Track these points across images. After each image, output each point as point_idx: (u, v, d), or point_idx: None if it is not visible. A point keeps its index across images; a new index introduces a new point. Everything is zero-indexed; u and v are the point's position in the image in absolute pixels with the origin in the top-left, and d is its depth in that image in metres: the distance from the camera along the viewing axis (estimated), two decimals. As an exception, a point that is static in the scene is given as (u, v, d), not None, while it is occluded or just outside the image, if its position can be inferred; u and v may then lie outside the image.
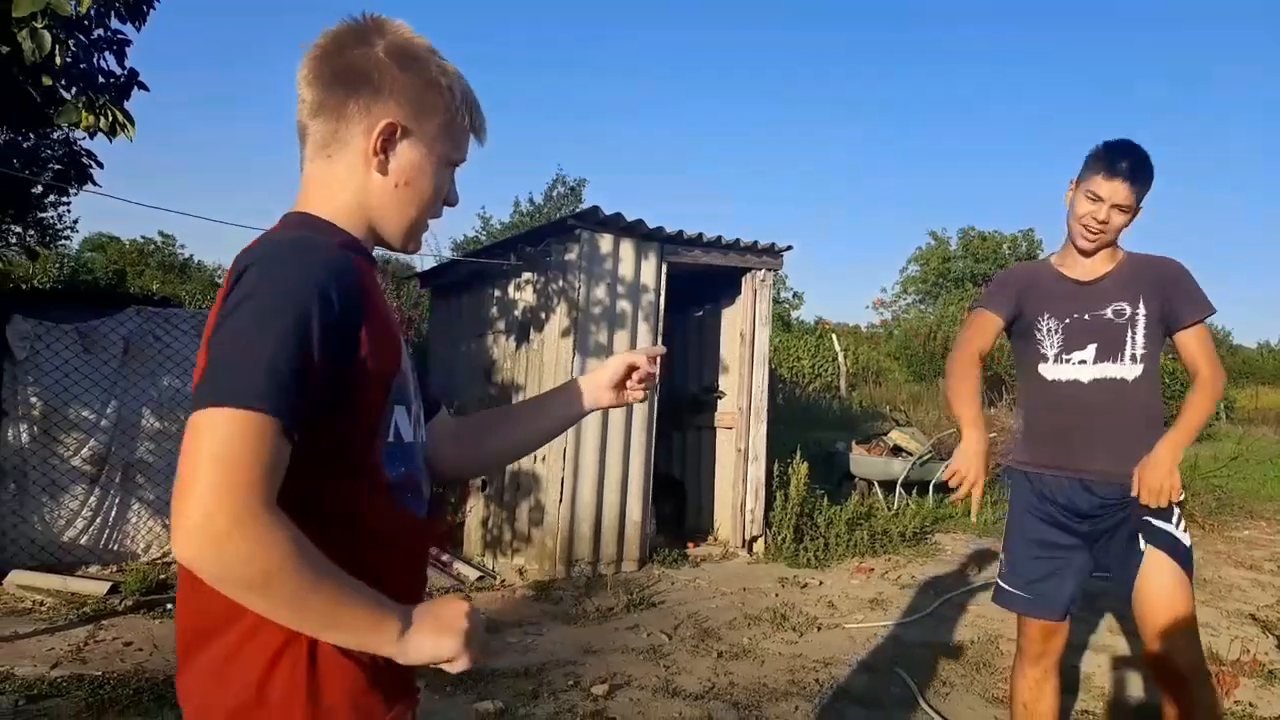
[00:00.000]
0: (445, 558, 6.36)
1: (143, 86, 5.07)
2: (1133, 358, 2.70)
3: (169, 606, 4.89)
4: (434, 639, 1.07)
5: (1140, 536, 2.66)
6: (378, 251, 1.33)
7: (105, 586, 5.07)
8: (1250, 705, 4.11)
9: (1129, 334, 2.70)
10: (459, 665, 1.09)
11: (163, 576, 5.24)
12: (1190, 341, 2.68)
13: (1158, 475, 2.57)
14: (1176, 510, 2.67)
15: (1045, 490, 2.82)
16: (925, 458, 8.90)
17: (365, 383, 1.13)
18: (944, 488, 9.39)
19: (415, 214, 1.28)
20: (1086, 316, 2.75)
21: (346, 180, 1.23)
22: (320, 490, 1.10)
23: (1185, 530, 2.68)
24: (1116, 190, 2.61)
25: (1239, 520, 10.06)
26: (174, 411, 5.93)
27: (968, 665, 4.64)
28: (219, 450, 0.93)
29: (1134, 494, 2.61)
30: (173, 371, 5.93)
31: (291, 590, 0.96)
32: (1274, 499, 12.27)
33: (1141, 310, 2.70)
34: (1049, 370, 2.78)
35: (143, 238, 17.05)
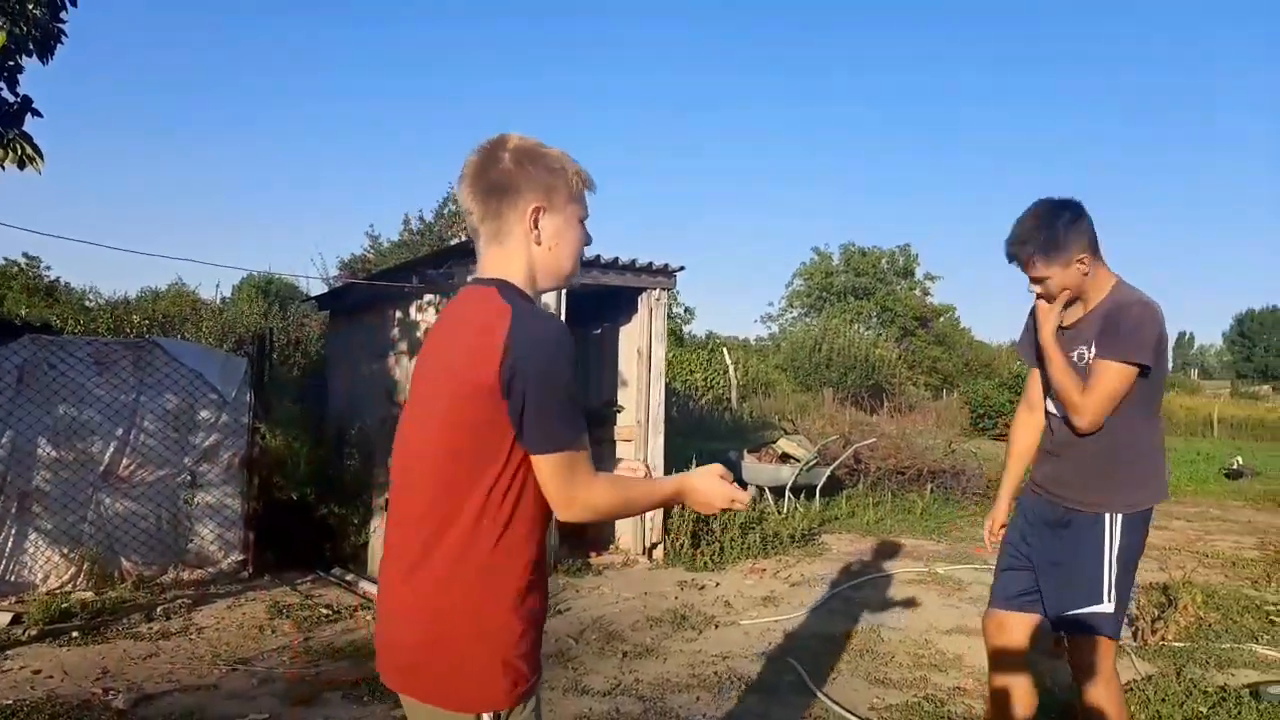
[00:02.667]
0: (350, 578, 6.44)
1: (36, 113, 5.05)
2: None
3: (74, 635, 4.87)
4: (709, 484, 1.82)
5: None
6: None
7: (7, 617, 4.99)
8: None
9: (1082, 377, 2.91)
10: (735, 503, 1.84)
11: (65, 605, 5.18)
12: (1091, 369, 2.86)
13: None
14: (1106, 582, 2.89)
15: (1026, 503, 3.19)
16: (811, 464, 9.38)
17: None
18: (829, 491, 9.92)
19: (569, 264, 1.83)
20: None
21: (518, 256, 1.78)
22: (523, 488, 1.67)
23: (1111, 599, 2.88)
24: (1029, 273, 2.93)
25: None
26: (70, 440, 5.84)
27: (853, 652, 5.05)
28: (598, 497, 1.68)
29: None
30: (68, 400, 5.84)
31: (625, 504, 1.75)
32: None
33: (1091, 354, 2.88)
34: (1049, 404, 3.09)
35: (5, 259, 15.98)
